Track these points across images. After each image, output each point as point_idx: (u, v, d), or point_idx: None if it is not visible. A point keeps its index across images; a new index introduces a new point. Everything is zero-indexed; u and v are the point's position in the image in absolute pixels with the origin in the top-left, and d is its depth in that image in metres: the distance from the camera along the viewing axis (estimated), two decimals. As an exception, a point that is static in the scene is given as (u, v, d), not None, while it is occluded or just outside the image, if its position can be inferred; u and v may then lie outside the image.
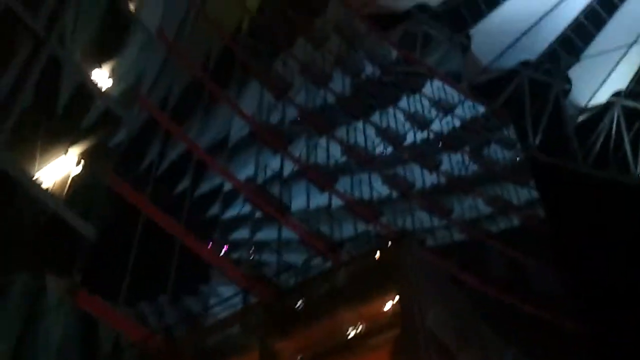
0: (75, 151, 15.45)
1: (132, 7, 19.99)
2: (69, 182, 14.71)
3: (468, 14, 30.83)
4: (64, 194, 14.37)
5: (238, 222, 18.97)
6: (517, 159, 29.57)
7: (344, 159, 23.08)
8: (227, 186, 18.78)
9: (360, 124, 24.95)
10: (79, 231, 13.61)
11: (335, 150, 22.93)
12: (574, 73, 31.43)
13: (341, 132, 24.03)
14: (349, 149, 23.27)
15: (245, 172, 19.70)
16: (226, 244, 18.78)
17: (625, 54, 32.31)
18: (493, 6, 30.80)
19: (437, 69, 30.13)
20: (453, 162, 27.27)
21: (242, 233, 18.90)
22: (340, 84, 26.11)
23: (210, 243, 17.81)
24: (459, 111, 29.30)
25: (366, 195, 22.53)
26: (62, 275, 13.63)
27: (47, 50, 15.32)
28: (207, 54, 22.25)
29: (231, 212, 18.95)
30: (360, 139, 24.20)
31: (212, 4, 23.36)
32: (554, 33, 31.77)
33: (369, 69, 28.22)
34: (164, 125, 18.73)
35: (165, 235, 16.14)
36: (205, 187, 18.72)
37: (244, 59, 22.99)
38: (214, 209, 18.49)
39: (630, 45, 32.01)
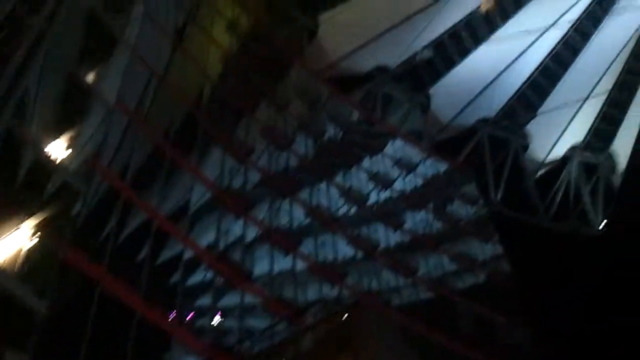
0: (30, 224, 15.31)
1: (92, 77, 20.26)
2: (23, 255, 14.53)
3: (426, 75, 31.66)
4: (17, 268, 14.17)
5: (200, 289, 18.78)
6: (480, 214, 29.94)
7: (307, 221, 23.15)
8: (189, 253, 18.67)
9: (323, 185, 25.16)
10: (32, 307, 13.36)
11: (299, 213, 23.01)
12: (532, 128, 32.28)
13: (304, 194, 24.18)
14: (312, 210, 23.37)
15: (207, 238, 19.65)
16: (189, 312, 18.55)
17: (580, 108, 33.45)
18: (450, 66, 31.73)
19: (398, 128, 30.71)
20: (417, 220, 27.52)
21: (204, 300, 18.70)
22: (303, 146, 26.43)
23: (172, 312, 17.58)
24: (421, 169, 29.71)
25: (330, 257, 22.53)
26: (17, 353, 13.30)
27: (4, 123, 15.37)
28: (169, 121, 22.48)
29: (193, 280, 18.79)
30: (324, 200, 24.37)
31: (174, 72, 23.75)
32: (511, 90, 32.75)
33: (331, 130, 28.66)
34: (124, 194, 18.72)
35: (124, 307, 15.90)
36: (166, 254, 18.59)
37: (206, 125, 23.25)
38: (176, 277, 18.31)
39: (585, 100, 33.20)
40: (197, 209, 20.11)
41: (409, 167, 29.10)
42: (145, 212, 18.90)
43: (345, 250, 23.52)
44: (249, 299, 18.72)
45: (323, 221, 23.36)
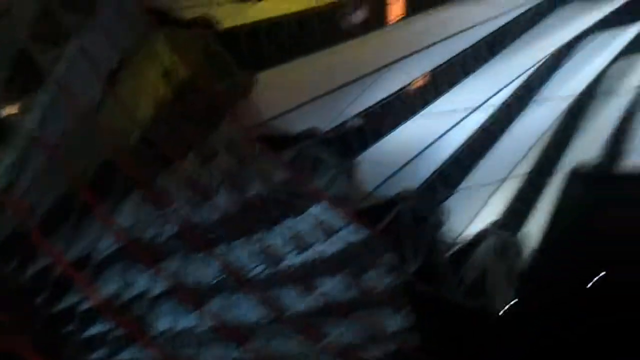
0: None
1: (14, 110, 19.84)
2: None
3: (355, 142, 32.33)
4: None
5: (98, 341, 18.13)
6: (395, 285, 30.20)
7: (219, 278, 22.85)
8: (89, 303, 18.07)
9: (241, 243, 24.96)
10: None
11: (212, 269, 22.71)
12: (451, 204, 33.13)
13: (220, 250, 23.90)
14: (226, 267, 23.11)
15: (110, 288, 19.09)
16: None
17: (497, 189, 34.81)
18: (379, 136, 32.60)
19: (324, 191, 30.95)
20: (331, 285, 27.52)
21: (100, 353, 18.03)
22: (226, 200, 26.27)
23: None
24: (341, 234, 29.85)
25: (239, 317, 22.20)
26: None
27: None
28: (89, 163, 22.05)
29: (91, 331, 18.14)
30: (240, 258, 24.13)
31: (102, 112, 23.47)
32: (434, 165, 33.78)
33: (257, 187, 28.64)
34: (30, 234, 18.14)
35: (13, 353, 15.19)
36: (66, 302, 17.94)
37: (127, 170, 22.90)
38: (73, 326, 17.65)
39: (502, 181, 34.63)
40: (105, 256, 19.58)
41: (330, 231, 29.21)
42: (50, 255, 18.30)
43: (255, 311, 23.23)
44: (146, 354, 18.17)
45: (236, 279, 23.12)
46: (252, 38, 31.69)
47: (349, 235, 30.48)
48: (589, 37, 39.54)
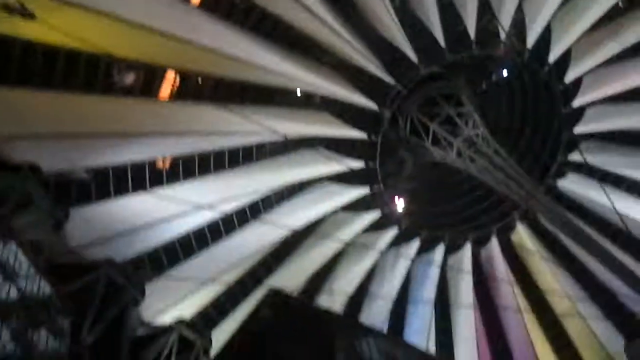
0: None
1: None
2: None
3: (76, 195, 30.35)
4: None
5: None
6: (60, 351, 27.47)
7: None
8: None
9: None
10: None
11: None
12: (151, 287, 32.04)
13: None
14: None
15: None
16: None
17: (199, 288, 34.99)
18: (102, 198, 31.13)
19: (21, 232, 27.90)
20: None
21: None
22: None
23: None
24: (21, 282, 26.70)
25: None
26: None
27: None
28: None
29: None
30: None
31: None
32: (149, 245, 33.09)
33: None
34: None
35: None
36: None
37: None
38: None
39: (208, 281, 34.98)
40: None
41: (10, 277, 25.86)
42: None
43: None
44: None
45: None
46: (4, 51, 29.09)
47: (31, 286, 27.36)
48: (323, 184, 43.25)
